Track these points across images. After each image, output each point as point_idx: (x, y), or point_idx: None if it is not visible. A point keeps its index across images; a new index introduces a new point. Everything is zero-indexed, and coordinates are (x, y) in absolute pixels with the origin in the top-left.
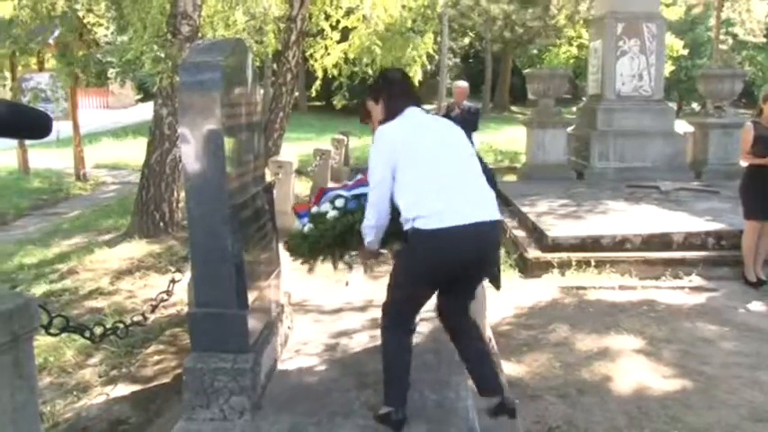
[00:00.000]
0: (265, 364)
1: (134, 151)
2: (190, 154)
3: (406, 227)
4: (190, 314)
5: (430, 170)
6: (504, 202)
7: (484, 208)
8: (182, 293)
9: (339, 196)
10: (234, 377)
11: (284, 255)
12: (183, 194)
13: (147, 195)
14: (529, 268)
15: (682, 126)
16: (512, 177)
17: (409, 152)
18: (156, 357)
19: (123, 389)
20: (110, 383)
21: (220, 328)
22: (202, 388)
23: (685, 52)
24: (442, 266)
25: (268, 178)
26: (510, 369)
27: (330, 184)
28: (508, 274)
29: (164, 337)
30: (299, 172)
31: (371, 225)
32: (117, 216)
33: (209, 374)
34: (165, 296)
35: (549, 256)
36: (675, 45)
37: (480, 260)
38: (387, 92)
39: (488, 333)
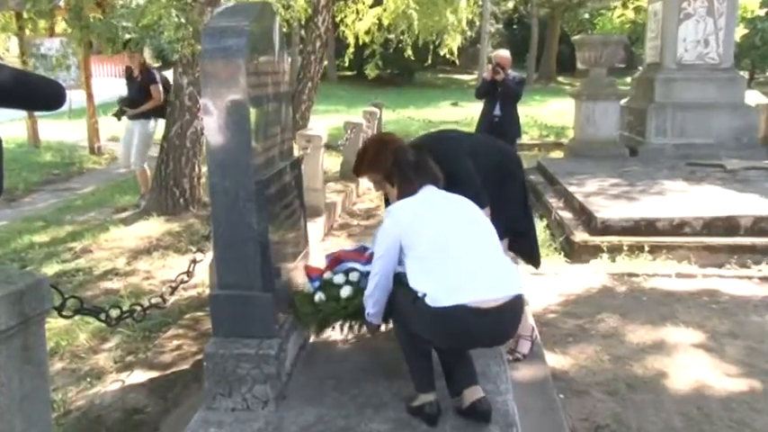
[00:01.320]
0: (291, 350)
1: None
2: (213, 126)
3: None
4: (211, 296)
5: (439, 247)
6: (549, 180)
7: (501, 284)
8: (203, 275)
9: (354, 270)
10: (258, 364)
11: (313, 233)
12: (204, 169)
13: (167, 170)
14: (576, 252)
15: (754, 97)
16: (558, 154)
17: (418, 229)
18: (175, 342)
19: (139, 375)
20: (125, 370)
21: (244, 311)
22: (224, 375)
23: (762, 12)
24: (448, 340)
25: (296, 153)
26: (554, 361)
27: (347, 247)
28: (553, 259)
29: (183, 320)
30: (329, 146)
31: (370, 295)
32: (134, 192)
33: (231, 361)
34: (185, 277)
35: (597, 239)
36: (750, 5)
37: (493, 341)
38: (399, 173)
39: (531, 322)
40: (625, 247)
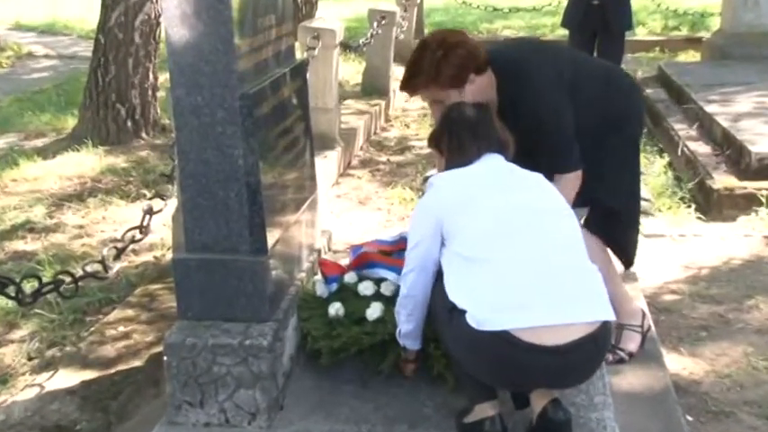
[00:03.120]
0: (291, 340)
1: (79, 6)
2: (174, 13)
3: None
4: (176, 262)
5: (492, 245)
6: (675, 96)
7: (578, 306)
8: (163, 231)
9: (387, 280)
10: (243, 359)
11: (323, 172)
12: (164, 78)
13: (106, 78)
14: (714, 205)
15: None
16: (692, 56)
17: (466, 215)
18: (122, 328)
19: (67, 378)
20: (45, 369)
21: (224, 283)
22: (194, 376)
23: None
24: (490, 377)
25: (299, 55)
26: (678, 365)
27: (380, 241)
28: (678, 214)
29: (134, 297)
30: (346, 46)
31: (402, 304)
32: (56, 109)
33: (204, 355)
34: (136, 235)
35: (751, 185)
36: None
37: (557, 383)
38: (449, 136)
39: (641, 304)
40: None
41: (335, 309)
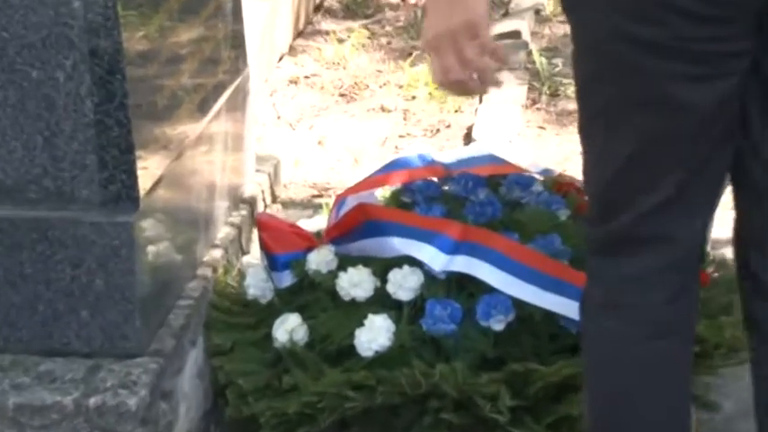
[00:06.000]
0: (191, 398)
1: None
2: None
3: None
4: None
5: None
6: None
7: None
8: None
9: (404, 267)
10: None
11: (263, 31)
12: None
13: None
14: None
15: None
16: None
17: None
18: None
19: None
20: None
21: (43, 273)
22: None
23: None
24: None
25: None
26: None
27: (400, 163)
28: None
29: None
30: None
31: None
32: None
33: None
34: None
35: None
36: None
37: None
38: None
39: None
40: None
41: (289, 328)
